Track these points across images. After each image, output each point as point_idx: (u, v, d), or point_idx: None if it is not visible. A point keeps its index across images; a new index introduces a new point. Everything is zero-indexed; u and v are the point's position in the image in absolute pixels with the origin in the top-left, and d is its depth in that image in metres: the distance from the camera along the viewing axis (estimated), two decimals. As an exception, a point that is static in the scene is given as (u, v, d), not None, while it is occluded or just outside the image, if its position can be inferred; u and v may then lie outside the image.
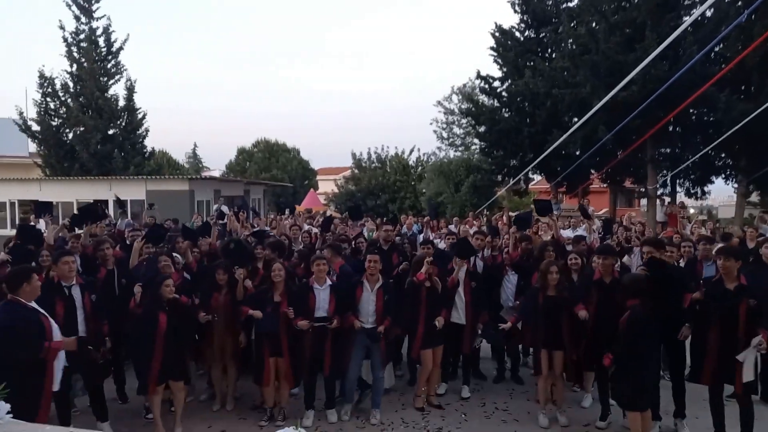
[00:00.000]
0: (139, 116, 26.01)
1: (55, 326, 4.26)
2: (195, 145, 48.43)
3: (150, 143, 27.79)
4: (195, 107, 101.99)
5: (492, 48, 23.53)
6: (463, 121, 35.56)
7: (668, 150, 20.36)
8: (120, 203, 13.49)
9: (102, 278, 6.07)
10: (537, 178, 29.90)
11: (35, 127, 24.51)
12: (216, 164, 44.02)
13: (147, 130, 26.45)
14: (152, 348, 5.21)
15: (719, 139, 15.16)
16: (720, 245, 6.55)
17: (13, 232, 18.39)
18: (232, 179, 29.44)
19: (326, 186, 42.31)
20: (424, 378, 6.08)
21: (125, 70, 25.69)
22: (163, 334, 5.23)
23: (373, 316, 5.73)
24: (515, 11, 22.95)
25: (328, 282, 5.83)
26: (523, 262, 6.78)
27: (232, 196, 24.26)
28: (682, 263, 6.65)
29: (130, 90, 25.64)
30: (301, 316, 5.59)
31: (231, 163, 42.05)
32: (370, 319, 5.73)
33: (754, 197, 22.43)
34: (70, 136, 24.92)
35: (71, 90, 24.78)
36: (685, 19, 17.14)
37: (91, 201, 20.76)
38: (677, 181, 21.14)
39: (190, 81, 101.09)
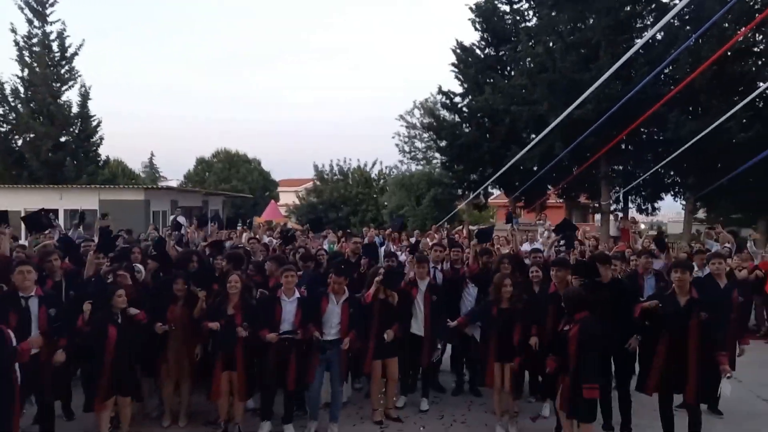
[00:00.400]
0: (94, 123, 25.34)
1: (12, 334, 4.19)
2: (152, 155, 47.49)
3: (105, 152, 27.11)
4: (152, 115, 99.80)
5: (453, 64, 23.95)
6: (425, 135, 35.98)
7: (621, 167, 21.09)
8: (82, 217, 12.94)
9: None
10: (496, 192, 30.46)
11: (-19, 133, 23.55)
12: (174, 174, 43.20)
13: (101, 138, 25.81)
14: (101, 362, 5.00)
15: (669, 158, 15.78)
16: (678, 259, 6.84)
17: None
18: (189, 189, 28.86)
19: (287, 198, 41.97)
20: (374, 389, 6.05)
21: (79, 76, 25.06)
22: (113, 347, 5.03)
23: (336, 328, 5.67)
24: (476, 29, 23.48)
25: (296, 294, 5.75)
26: (482, 275, 6.86)
27: (189, 207, 23.76)
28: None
29: (84, 96, 24.96)
30: (267, 328, 5.48)
31: (189, 173, 41.25)
32: (333, 331, 5.66)
33: (701, 214, 23.44)
34: (20, 143, 24.01)
35: (22, 95, 23.93)
36: (637, 41, 17.89)
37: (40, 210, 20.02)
38: (629, 197, 21.90)
39: (147, 88, 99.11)
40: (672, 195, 21.34)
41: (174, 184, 35.84)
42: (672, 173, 20.13)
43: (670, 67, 17.61)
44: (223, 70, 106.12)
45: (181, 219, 16.76)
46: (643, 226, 22.91)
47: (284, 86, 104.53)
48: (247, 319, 5.46)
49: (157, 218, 21.26)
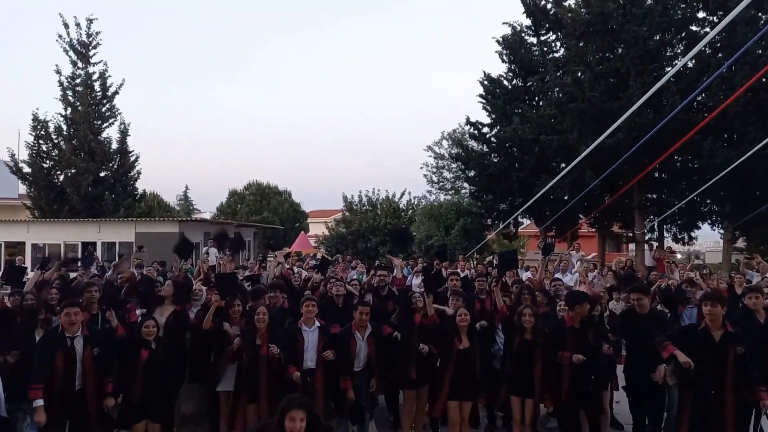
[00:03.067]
0: (132, 159, 26.18)
1: None
2: (186, 188, 48.46)
3: (141, 185, 27.90)
4: (188, 149, 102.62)
5: (481, 95, 24.10)
6: (453, 165, 36.03)
7: (655, 196, 20.68)
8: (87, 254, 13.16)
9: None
10: (526, 222, 30.14)
11: (26, 169, 24.55)
12: (207, 207, 43.88)
13: (139, 173, 26.62)
14: (131, 383, 5.17)
15: (704, 186, 15.43)
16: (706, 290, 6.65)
17: (-2, 274, 18.08)
18: (222, 221, 29.37)
19: (317, 228, 42.31)
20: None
21: (119, 113, 26.04)
22: (143, 369, 5.18)
23: (364, 360, 5.79)
24: (503, 61, 23.65)
25: (317, 323, 5.78)
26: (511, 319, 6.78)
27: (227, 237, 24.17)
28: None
29: (124, 133, 25.89)
30: (290, 361, 5.50)
31: (222, 206, 42.06)
32: (360, 364, 5.81)
33: (741, 243, 22.69)
34: (61, 178, 24.94)
35: (64, 133, 24.97)
36: (667, 69, 17.74)
37: (79, 243, 20.65)
38: (664, 226, 21.39)
39: (183, 123, 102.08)
40: (709, 224, 20.75)
41: (207, 216, 36.57)
42: (708, 201, 19.62)
43: (703, 95, 17.38)
44: (253, 105, 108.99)
45: (213, 251, 17.07)
46: (679, 256, 22.29)
47: (313, 116, 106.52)
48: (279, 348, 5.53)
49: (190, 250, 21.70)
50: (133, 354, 5.27)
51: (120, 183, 25.55)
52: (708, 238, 26.63)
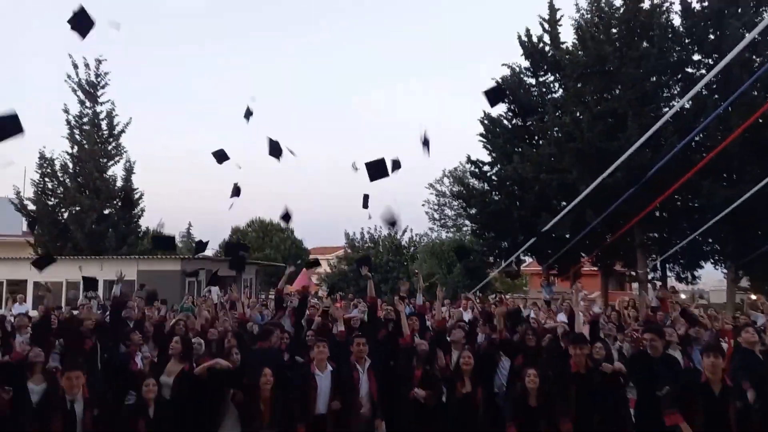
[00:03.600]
0: (136, 196, 26.40)
1: None
2: (189, 225, 48.62)
3: (145, 223, 28.02)
4: (190, 186, 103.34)
5: (481, 134, 24.41)
6: (455, 203, 36.21)
7: (656, 234, 20.68)
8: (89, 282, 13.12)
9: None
10: (529, 260, 30.05)
11: (31, 207, 24.76)
12: (210, 244, 43.85)
13: (142, 210, 26.79)
14: None
15: (704, 226, 15.46)
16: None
17: (-1, 312, 17.99)
18: (224, 259, 29.33)
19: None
20: None
21: (125, 151, 26.41)
22: None
23: (367, 397, 5.61)
24: (502, 101, 24.02)
25: (329, 368, 5.54)
26: (513, 344, 6.74)
27: (223, 277, 24.11)
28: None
29: (129, 171, 26.20)
30: (300, 411, 5.26)
31: (225, 243, 42.11)
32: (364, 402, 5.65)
33: (744, 282, 22.53)
34: (65, 215, 25.12)
35: (70, 170, 25.27)
36: (665, 110, 18.02)
37: (80, 280, 20.57)
38: (667, 265, 21.32)
39: (186, 159, 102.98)
40: (712, 263, 20.68)
41: (210, 253, 36.58)
42: (710, 240, 19.62)
43: (701, 135, 17.59)
44: (256, 143, 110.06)
45: (214, 289, 17.02)
46: (683, 296, 22.12)
47: (315, 153, 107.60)
48: (287, 400, 5.28)
49: (193, 288, 21.63)
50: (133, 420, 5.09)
51: (123, 220, 25.71)
52: (712, 277, 26.44)
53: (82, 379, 5.06)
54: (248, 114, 7.12)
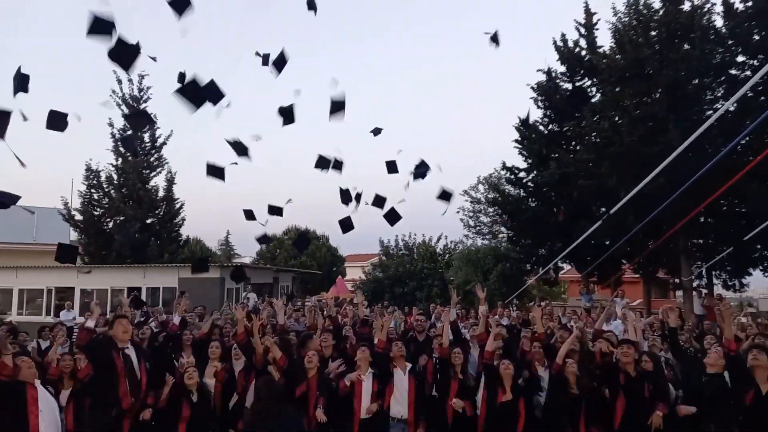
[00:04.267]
0: (177, 206, 27.13)
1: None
2: (228, 233, 49.61)
3: (185, 231, 28.75)
4: (229, 194, 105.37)
5: (516, 140, 24.18)
6: (490, 210, 35.87)
7: (701, 241, 20.03)
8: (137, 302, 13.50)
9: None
10: (567, 267, 29.48)
11: (78, 217, 25.71)
12: (247, 251, 44.72)
13: (183, 219, 27.50)
14: None
15: (753, 232, 14.92)
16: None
17: (48, 319, 18.74)
18: (261, 266, 29.86)
19: (354, 273, 42.42)
20: None
21: (167, 163, 27.18)
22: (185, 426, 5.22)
23: (405, 399, 5.64)
24: (538, 107, 23.78)
25: (371, 370, 5.67)
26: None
27: (260, 284, 24.52)
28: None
29: (170, 181, 26.95)
30: (342, 417, 5.45)
31: (262, 251, 42.79)
32: (403, 406, 5.63)
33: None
34: (110, 225, 25.99)
35: (115, 182, 26.16)
36: (708, 113, 17.49)
37: (125, 289, 21.27)
38: (713, 272, 20.59)
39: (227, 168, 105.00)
40: (761, 270, 19.87)
41: (247, 261, 37.24)
42: (758, 246, 18.87)
43: (746, 138, 16.99)
44: (293, 155, 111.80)
45: (252, 296, 17.34)
46: (732, 303, 21.36)
47: (348, 163, 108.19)
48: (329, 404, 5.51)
49: (231, 295, 22.06)
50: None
51: (165, 230, 26.43)
52: (761, 284, 25.43)
53: (130, 328, 5.69)
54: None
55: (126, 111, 26.40)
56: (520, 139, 24.03)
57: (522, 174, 24.30)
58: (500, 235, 34.79)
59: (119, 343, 5.46)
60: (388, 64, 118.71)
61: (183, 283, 20.60)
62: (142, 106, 26.79)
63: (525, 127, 23.72)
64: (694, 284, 19.65)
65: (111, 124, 26.18)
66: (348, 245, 72.51)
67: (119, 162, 26.27)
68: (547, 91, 23.24)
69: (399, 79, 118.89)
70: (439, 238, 36.12)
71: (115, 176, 26.27)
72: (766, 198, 15.84)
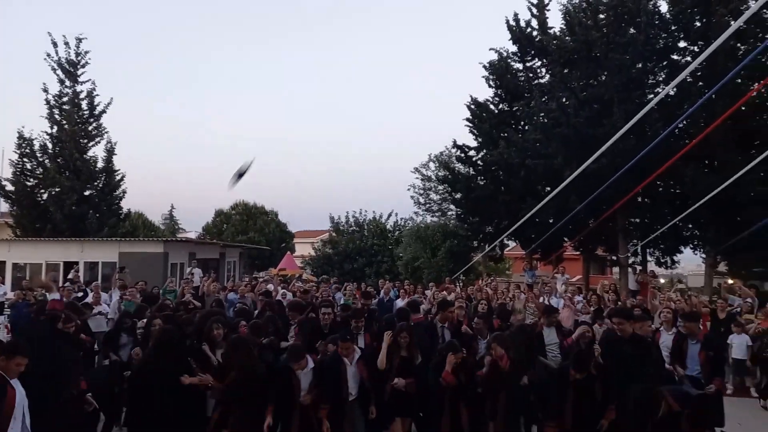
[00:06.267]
0: (117, 178, 25.97)
1: None
2: (172, 207, 48.14)
3: (126, 205, 27.63)
4: (174, 168, 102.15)
5: (467, 119, 24.38)
6: (440, 187, 36.24)
7: (638, 220, 20.92)
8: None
9: None
10: (512, 244, 30.25)
11: (9, 188, 24.24)
12: (193, 227, 43.65)
13: (124, 192, 26.38)
14: None
15: (686, 212, 15.68)
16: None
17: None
18: (207, 241, 29.14)
19: (303, 249, 42.10)
20: None
21: (106, 132, 25.88)
22: None
23: (356, 388, 5.71)
24: (489, 86, 24.00)
25: (357, 353, 5.86)
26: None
27: (206, 259, 23.95)
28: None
29: (110, 152, 25.73)
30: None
31: (208, 226, 41.77)
32: (353, 391, 5.72)
33: (722, 267, 22.94)
34: (45, 196, 24.64)
35: (50, 151, 24.74)
36: (650, 96, 18.11)
37: (61, 263, 20.36)
38: (648, 250, 21.60)
39: (170, 141, 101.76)
40: (691, 248, 21.01)
41: (193, 236, 36.26)
42: (690, 226, 19.91)
43: (685, 122, 17.75)
44: (241, 126, 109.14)
45: (197, 271, 16.91)
46: (662, 280, 22.51)
47: (301, 139, 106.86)
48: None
49: (175, 270, 21.44)
50: None
51: (104, 202, 25.30)
52: (690, 262, 26.91)
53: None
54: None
55: (62, 75, 24.85)
56: (471, 118, 24.25)
57: (472, 153, 24.60)
58: (449, 213, 35.25)
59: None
60: (339, 40, 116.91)
61: (124, 258, 19.87)
62: (80, 71, 25.34)
63: (476, 106, 23.94)
64: (630, 261, 20.56)
65: (46, 90, 24.69)
66: (297, 222, 71.93)
67: (54, 130, 24.82)
68: (498, 70, 23.46)
69: (353, 55, 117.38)
70: (389, 215, 36.26)
71: (50, 145, 24.82)
72: (700, 180, 16.63)
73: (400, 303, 11.48)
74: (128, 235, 26.40)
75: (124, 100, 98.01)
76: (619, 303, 11.23)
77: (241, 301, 10.54)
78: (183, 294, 10.85)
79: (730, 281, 17.39)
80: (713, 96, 16.69)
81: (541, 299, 11.20)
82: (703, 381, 6.36)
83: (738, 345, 10.16)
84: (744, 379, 10.38)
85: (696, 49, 18.41)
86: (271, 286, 12.88)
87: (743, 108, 16.71)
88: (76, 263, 18.97)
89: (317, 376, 5.56)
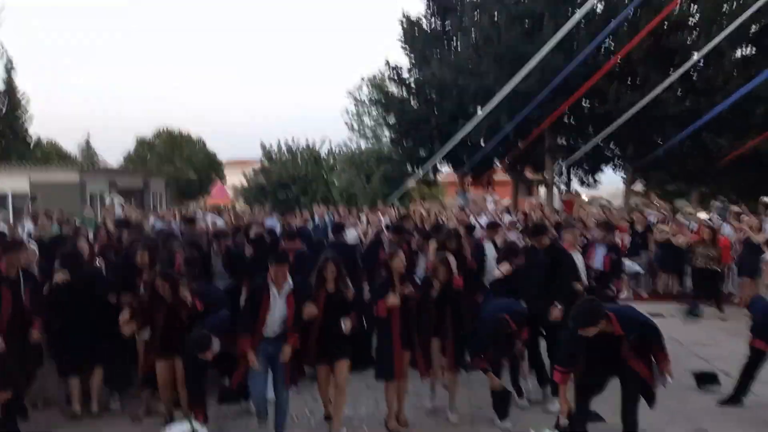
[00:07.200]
0: (22, 101, 23.77)
1: None
2: (88, 135, 44.75)
3: (37, 133, 25.54)
4: (89, 92, 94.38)
5: (400, 39, 23.68)
6: (374, 112, 35.69)
7: (564, 141, 21.51)
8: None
9: None
10: (446, 169, 30.57)
11: None
12: (113, 157, 41.09)
13: (31, 117, 24.26)
14: None
15: (605, 131, 16.20)
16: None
17: None
18: (128, 171, 27.66)
19: (235, 179, 40.89)
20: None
21: (3, 49, 23.34)
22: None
23: (280, 323, 4.89)
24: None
25: (289, 285, 4.95)
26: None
27: (129, 189, 22.80)
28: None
29: (9, 71, 23.34)
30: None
31: (130, 155, 39.48)
32: (276, 328, 4.89)
33: (639, 187, 24.27)
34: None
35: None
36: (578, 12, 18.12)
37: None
38: (571, 169, 22.40)
39: (82, 62, 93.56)
40: (612, 167, 21.98)
41: (114, 166, 34.30)
42: (612, 145, 20.67)
43: (610, 40, 17.99)
44: (162, 44, 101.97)
45: (117, 198, 16.10)
46: (585, 199, 23.59)
47: (228, 58, 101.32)
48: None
49: (95, 201, 20.26)
50: None
51: (9, 128, 23.24)
52: (611, 185, 28.25)
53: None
54: None
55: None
56: (404, 36, 23.55)
57: (405, 74, 24.09)
58: (383, 139, 34.98)
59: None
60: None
61: (36, 188, 18.52)
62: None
63: (408, 24, 23.22)
64: (555, 181, 21.32)
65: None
66: (227, 150, 69.35)
67: (-58, 47, 22.15)
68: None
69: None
70: (323, 142, 35.51)
71: (-63, 63, 22.24)
72: (623, 98, 17.09)
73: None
74: (39, 162, 24.56)
75: (29, 17, 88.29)
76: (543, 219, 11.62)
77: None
78: (104, 223, 10.28)
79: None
80: (638, 12, 16.95)
81: (471, 219, 11.43)
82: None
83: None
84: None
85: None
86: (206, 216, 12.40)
87: (665, 25, 17.09)
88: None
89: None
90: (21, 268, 5.40)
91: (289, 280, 4.92)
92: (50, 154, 33.24)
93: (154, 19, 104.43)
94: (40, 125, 44.76)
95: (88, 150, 41.40)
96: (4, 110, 23.17)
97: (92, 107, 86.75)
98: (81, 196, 19.45)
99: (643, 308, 5.18)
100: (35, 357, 5.39)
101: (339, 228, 8.67)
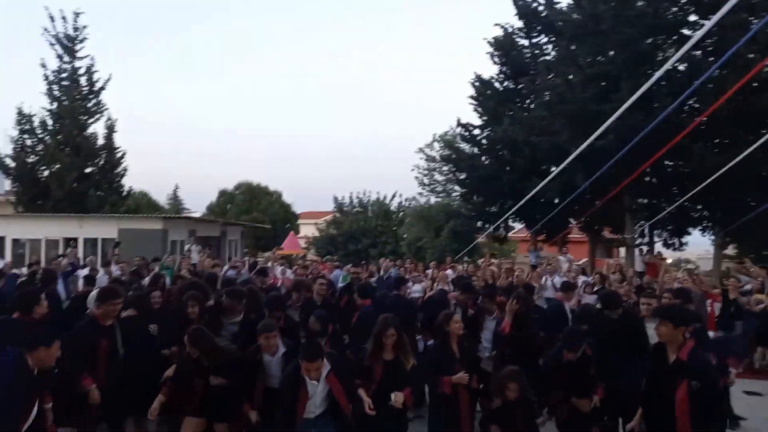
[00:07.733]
0: (118, 155, 25.74)
1: None
2: (176, 186, 47.83)
3: (129, 183, 27.46)
4: (179, 149, 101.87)
5: (472, 97, 23.93)
6: (444, 168, 35.89)
7: (645, 200, 20.54)
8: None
9: None
10: (518, 226, 29.93)
11: (10, 164, 24.11)
12: (197, 207, 43.42)
13: (125, 170, 26.15)
14: None
15: (693, 191, 15.29)
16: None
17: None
18: (208, 219, 28.98)
19: (308, 230, 41.96)
20: None
21: (106, 109, 25.55)
22: None
23: (323, 405, 4.53)
24: (494, 62, 23.51)
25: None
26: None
27: (207, 237, 23.80)
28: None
29: (110, 129, 25.44)
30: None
31: (212, 206, 41.65)
32: (318, 410, 4.54)
33: (731, 250, 22.55)
34: (46, 173, 24.49)
35: (49, 128, 24.53)
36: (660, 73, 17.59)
37: (60, 239, 20.27)
38: (655, 231, 21.24)
39: (174, 122, 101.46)
40: (700, 230, 20.62)
41: (197, 215, 36.15)
42: (699, 207, 19.49)
43: (694, 99, 17.27)
44: (245, 105, 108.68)
45: (195, 248, 16.74)
46: (669, 261, 22.18)
47: (306, 120, 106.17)
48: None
49: (175, 248, 21.30)
50: None
51: (105, 180, 25.13)
52: (699, 246, 26.50)
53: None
54: None
55: (60, 51, 24.54)
56: (475, 95, 23.80)
57: (477, 131, 24.19)
58: (453, 194, 34.94)
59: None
60: (344, 15, 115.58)
61: (123, 234, 19.70)
62: (78, 46, 25.00)
63: (480, 83, 23.48)
64: (636, 242, 20.22)
65: (44, 65, 24.40)
66: (302, 203, 71.79)
67: (54, 106, 24.57)
68: (503, 46, 22.95)
69: (354, 33, 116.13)
70: (393, 196, 35.95)
71: (49, 121, 24.59)
72: (709, 159, 16.20)
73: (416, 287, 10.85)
74: (130, 212, 26.26)
75: (127, 76, 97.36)
76: (625, 283, 10.94)
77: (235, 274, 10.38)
78: (180, 269, 10.71)
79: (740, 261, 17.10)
80: (724, 72, 16.21)
81: (543, 279, 10.97)
82: None
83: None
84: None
85: (707, 23, 17.83)
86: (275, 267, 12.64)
87: (754, 84, 16.23)
88: (75, 239, 18.87)
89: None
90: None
91: (326, 363, 4.44)
92: (141, 203, 35.63)
93: (246, 97, 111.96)
94: (134, 179, 48.23)
95: (175, 200, 44.13)
96: (101, 164, 25.14)
97: (181, 161, 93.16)
98: (163, 243, 20.49)
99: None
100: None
101: (400, 282, 8.47)
